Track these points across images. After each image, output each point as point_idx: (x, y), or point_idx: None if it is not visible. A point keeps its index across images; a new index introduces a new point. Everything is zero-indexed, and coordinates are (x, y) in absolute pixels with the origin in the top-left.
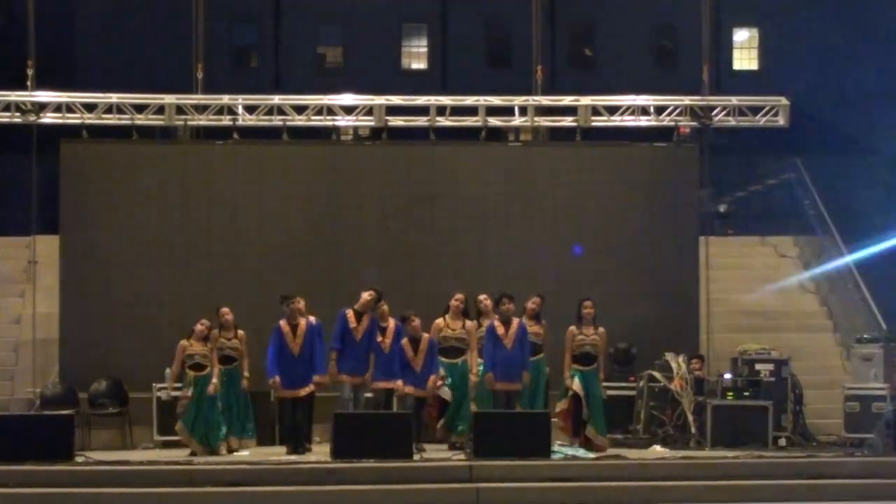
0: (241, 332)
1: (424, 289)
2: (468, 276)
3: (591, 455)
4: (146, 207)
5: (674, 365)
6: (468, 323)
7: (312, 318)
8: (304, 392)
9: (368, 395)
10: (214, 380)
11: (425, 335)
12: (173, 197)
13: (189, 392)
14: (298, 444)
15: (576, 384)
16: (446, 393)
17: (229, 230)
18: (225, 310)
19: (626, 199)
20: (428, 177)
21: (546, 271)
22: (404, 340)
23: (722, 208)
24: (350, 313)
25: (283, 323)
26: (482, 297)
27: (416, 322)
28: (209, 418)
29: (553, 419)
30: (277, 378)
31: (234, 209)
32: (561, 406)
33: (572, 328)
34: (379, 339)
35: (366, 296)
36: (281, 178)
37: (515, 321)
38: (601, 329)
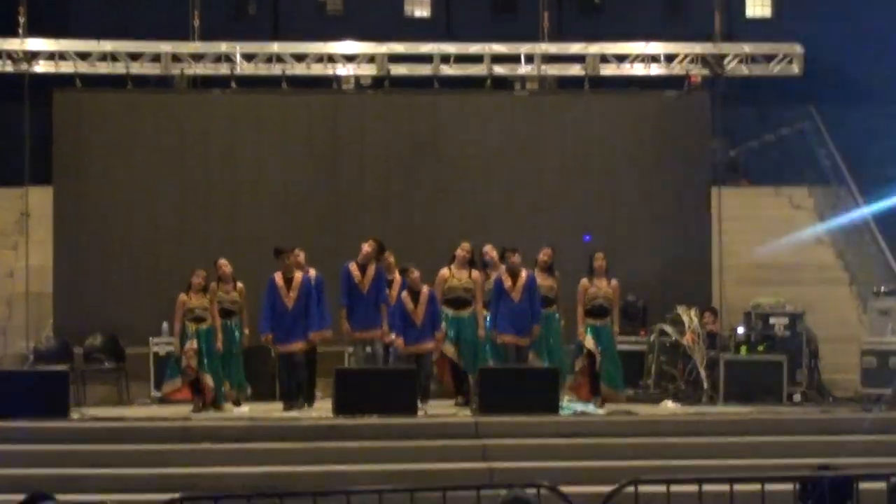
0: (240, 284)
1: (427, 242)
2: (472, 229)
3: (601, 411)
4: (141, 158)
5: (685, 319)
6: (475, 273)
7: (312, 272)
8: (296, 347)
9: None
10: (220, 336)
11: (425, 287)
12: (169, 147)
13: (194, 343)
14: (293, 400)
15: (588, 341)
16: (448, 350)
17: (227, 181)
18: (223, 261)
19: (636, 150)
20: (431, 127)
21: (553, 223)
22: (404, 293)
23: (732, 153)
24: (353, 266)
25: (277, 276)
26: (487, 247)
27: (416, 274)
28: (216, 374)
29: (569, 376)
30: (269, 334)
31: (233, 159)
32: (580, 364)
33: (584, 281)
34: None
35: (366, 247)
36: (280, 128)
37: (523, 273)
38: (614, 281)
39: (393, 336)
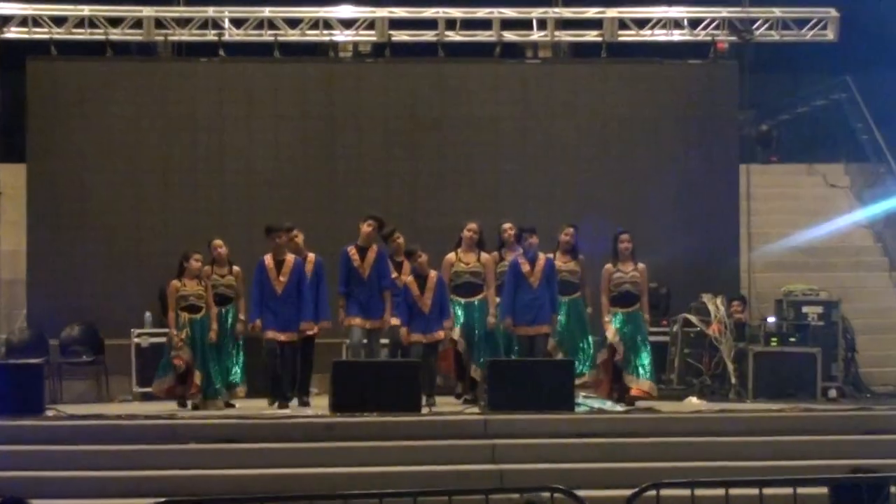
0: (236, 268)
1: (432, 223)
2: (481, 209)
3: (620, 408)
4: (123, 133)
5: (711, 308)
6: (484, 255)
7: (312, 256)
8: (285, 338)
9: (385, 340)
10: (215, 326)
11: (432, 272)
12: (153, 121)
13: (183, 335)
14: (280, 395)
15: (610, 331)
16: (459, 342)
17: (215, 157)
18: (218, 242)
19: (657, 124)
20: (436, 98)
21: (567, 203)
22: (409, 278)
23: (764, 127)
24: (352, 250)
25: (267, 258)
26: (506, 225)
27: (423, 257)
28: (208, 369)
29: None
30: (258, 321)
31: (221, 134)
32: (601, 357)
33: (608, 266)
34: (394, 275)
35: (365, 227)
36: (272, 100)
37: (542, 257)
38: (641, 265)
39: (395, 321)
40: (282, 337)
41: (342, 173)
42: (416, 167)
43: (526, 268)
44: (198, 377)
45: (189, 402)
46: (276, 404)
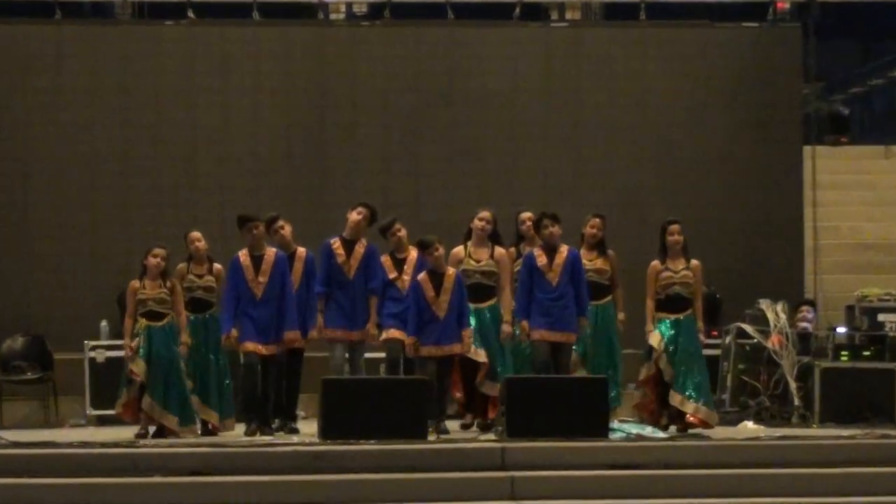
0: (217, 266)
1: (439, 215)
2: (496, 198)
3: (662, 434)
4: (75, 108)
5: (770, 316)
6: (498, 250)
7: (302, 250)
8: (266, 350)
9: (374, 354)
10: (185, 336)
11: (451, 270)
12: (111, 94)
13: (134, 343)
14: (260, 419)
15: (654, 337)
16: (481, 355)
17: (185, 137)
18: (195, 235)
19: (705, 97)
20: (445, 68)
21: (597, 192)
22: (422, 275)
23: (844, 110)
24: (335, 243)
25: (241, 255)
26: (525, 215)
27: (440, 251)
28: (174, 387)
29: (634, 389)
30: (234, 331)
31: (191, 110)
32: (646, 372)
33: (655, 263)
34: (393, 275)
35: (354, 216)
36: (251, 70)
37: (564, 248)
38: (694, 262)
39: (377, 331)
40: (263, 350)
41: (334, 157)
42: (420, 150)
43: (543, 261)
44: (146, 403)
45: (148, 430)
46: (256, 430)
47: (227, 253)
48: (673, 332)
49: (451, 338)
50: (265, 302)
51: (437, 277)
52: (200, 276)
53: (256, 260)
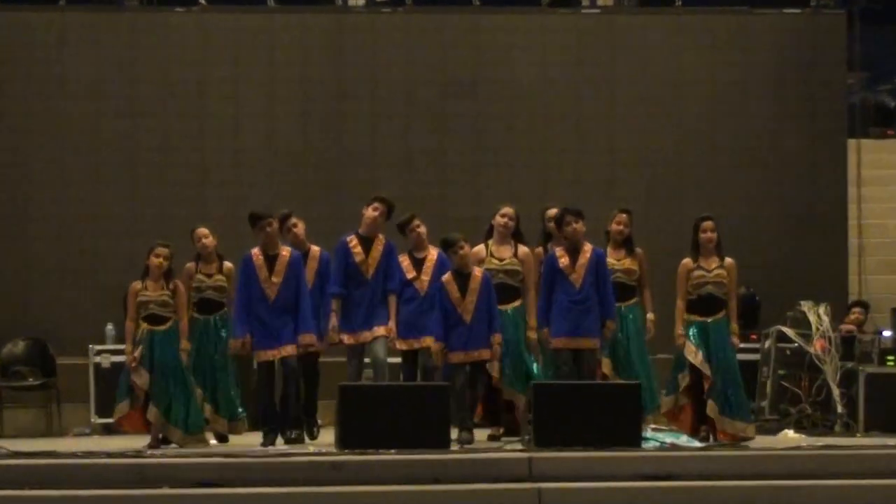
0: (227, 264)
1: (466, 210)
2: (526, 191)
3: (697, 443)
4: (79, 99)
5: (812, 318)
6: (522, 249)
7: (316, 249)
8: (282, 354)
9: (395, 360)
10: (185, 342)
11: (478, 270)
12: (117, 86)
13: (137, 353)
14: (275, 429)
15: (689, 348)
16: (495, 367)
17: (194, 133)
18: (203, 231)
19: (744, 87)
20: (470, 57)
21: (630, 187)
22: (446, 276)
23: (891, 102)
24: (352, 240)
25: (254, 253)
26: (552, 211)
27: (466, 249)
28: (179, 397)
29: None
30: (248, 336)
31: (202, 102)
32: (684, 381)
33: (686, 261)
34: (412, 275)
35: (370, 211)
36: (265, 60)
37: (588, 248)
38: (728, 260)
39: (430, 340)
40: (275, 355)
41: (352, 152)
42: (444, 143)
43: (565, 261)
44: (152, 413)
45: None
46: (273, 441)
47: (238, 252)
48: (704, 336)
49: (479, 342)
50: (279, 304)
51: (462, 278)
52: (210, 276)
53: (270, 259)
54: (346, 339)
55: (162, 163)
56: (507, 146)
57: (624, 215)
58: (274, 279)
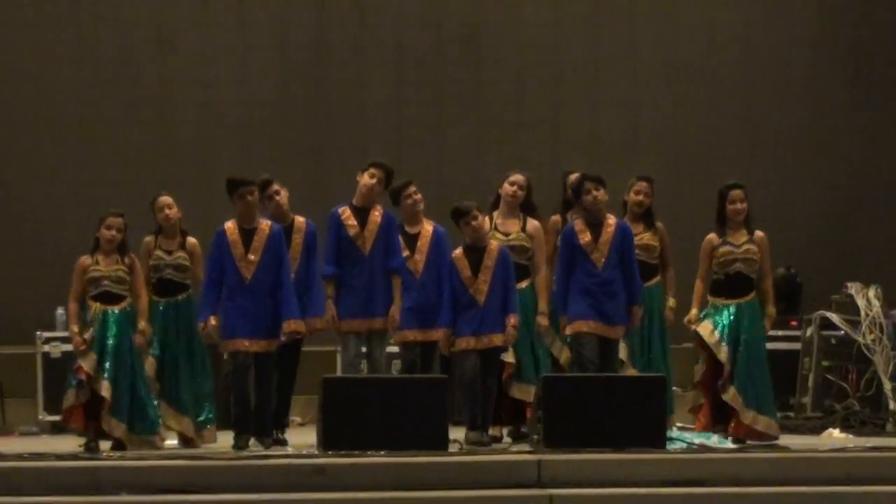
0: (191, 239)
1: (468, 179)
2: (534, 161)
3: (730, 444)
4: (25, 54)
5: (861, 302)
6: (531, 223)
7: (301, 220)
8: (258, 347)
9: (393, 349)
10: (143, 323)
11: (493, 243)
12: (65, 32)
13: (88, 335)
14: (252, 428)
15: (704, 327)
16: (508, 354)
17: (158, 92)
18: (165, 200)
19: (789, 49)
20: (472, 10)
21: (656, 155)
22: (456, 251)
23: None
24: (345, 212)
25: (228, 227)
26: (574, 175)
27: (479, 220)
28: (134, 389)
29: (681, 391)
30: (211, 319)
31: (166, 59)
32: (700, 372)
33: (711, 236)
34: (404, 254)
35: (365, 179)
36: (236, 9)
37: (612, 221)
38: (759, 233)
39: (441, 332)
40: (251, 347)
41: (337, 113)
42: (441, 104)
43: (586, 238)
44: (105, 389)
45: (93, 438)
46: (247, 442)
47: (207, 226)
48: (732, 319)
49: (493, 326)
50: (256, 286)
51: (475, 253)
52: (170, 252)
53: (246, 234)
54: (342, 326)
55: (120, 125)
56: (514, 105)
57: (643, 183)
58: (251, 257)
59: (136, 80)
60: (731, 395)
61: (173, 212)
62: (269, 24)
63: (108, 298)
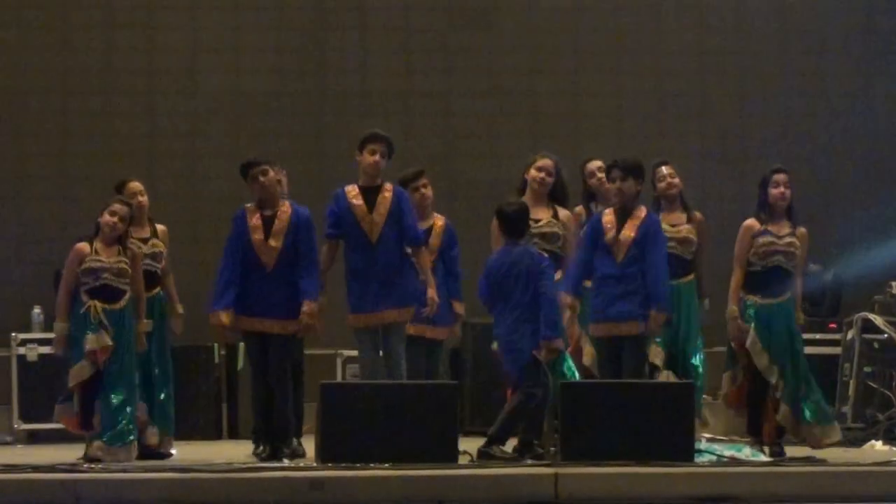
0: (160, 227)
1: (479, 166)
2: (553, 142)
3: (763, 457)
4: (4, 30)
5: None
6: (561, 212)
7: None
8: (270, 328)
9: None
10: (143, 326)
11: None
12: (47, 15)
13: (107, 339)
14: (274, 438)
15: (752, 339)
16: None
17: (141, 69)
18: (136, 185)
19: (824, 34)
20: None
21: (683, 133)
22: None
23: None
24: (352, 191)
25: (249, 209)
26: (595, 164)
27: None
28: (122, 394)
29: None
30: (223, 314)
31: (150, 33)
32: (729, 383)
33: (751, 222)
34: (409, 250)
35: (366, 157)
36: None
37: (641, 210)
38: (802, 229)
39: (435, 300)
40: (271, 328)
41: (336, 95)
42: (450, 84)
43: (611, 232)
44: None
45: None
46: (265, 451)
47: (187, 216)
48: (766, 323)
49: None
50: (277, 274)
51: None
52: (145, 241)
53: (267, 220)
54: (354, 320)
55: (100, 107)
56: (529, 86)
57: (664, 167)
58: (272, 243)
59: (119, 63)
60: (782, 415)
61: (145, 199)
62: (265, 3)
63: (108, 295)
